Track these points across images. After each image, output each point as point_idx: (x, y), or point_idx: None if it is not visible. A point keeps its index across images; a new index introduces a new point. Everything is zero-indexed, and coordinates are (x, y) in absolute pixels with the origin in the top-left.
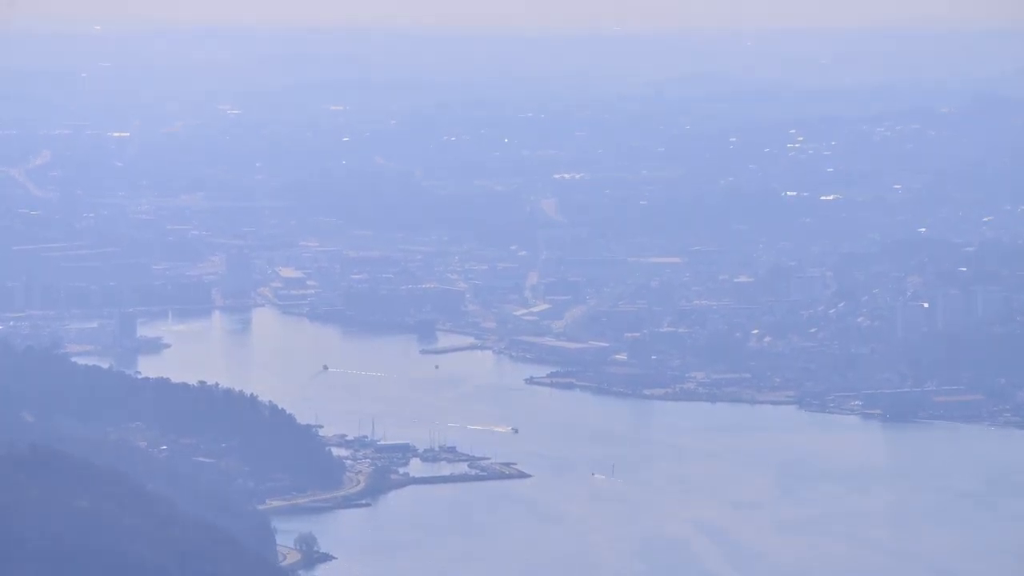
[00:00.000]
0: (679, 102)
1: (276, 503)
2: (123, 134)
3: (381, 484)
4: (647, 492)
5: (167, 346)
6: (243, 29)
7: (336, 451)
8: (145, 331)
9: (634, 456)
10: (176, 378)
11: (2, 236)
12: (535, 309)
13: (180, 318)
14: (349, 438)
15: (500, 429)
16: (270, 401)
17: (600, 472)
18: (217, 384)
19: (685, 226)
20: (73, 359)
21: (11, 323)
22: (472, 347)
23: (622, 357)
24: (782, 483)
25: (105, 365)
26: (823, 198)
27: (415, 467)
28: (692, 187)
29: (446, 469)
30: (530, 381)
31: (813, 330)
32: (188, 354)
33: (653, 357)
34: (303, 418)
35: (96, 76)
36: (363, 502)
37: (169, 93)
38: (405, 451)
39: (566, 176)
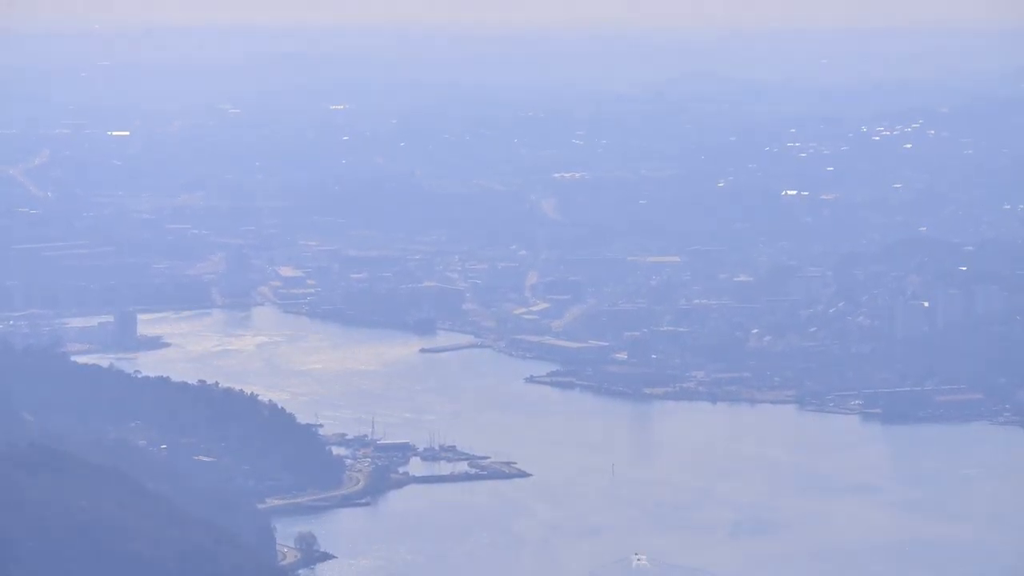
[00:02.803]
0: (679, 102)
1: (276, 502)
2: (123, 133)
3: (381, 483)
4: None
5: (167, 345)
6: (243, 29)
7: (336, 450)
8: (145, 330)
9: (635, 456)
10: (176, 377)
11: (2, 235)
12: (535, 308)
13: (180, 317)
14: (349, 437)
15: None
16: (270, 400)
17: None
18: (216, 383)
19: (685, 226)
20: (73, 358)
21: (11, 322)
22: (472, 346)
23: (622, 356)
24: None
25: (105, 364)
26: (823, 198)
27: (415, 466)
28: (692, 187)
29: (446, 468)
30: (530, 380)
31: (813, 329)
32: (188, 353)
33: (653, 356)
34: (303, 417)
35: (96, 76)
36: (363, 501)
37: (169, 93)
38: (405, 450)
39: (566, 176)
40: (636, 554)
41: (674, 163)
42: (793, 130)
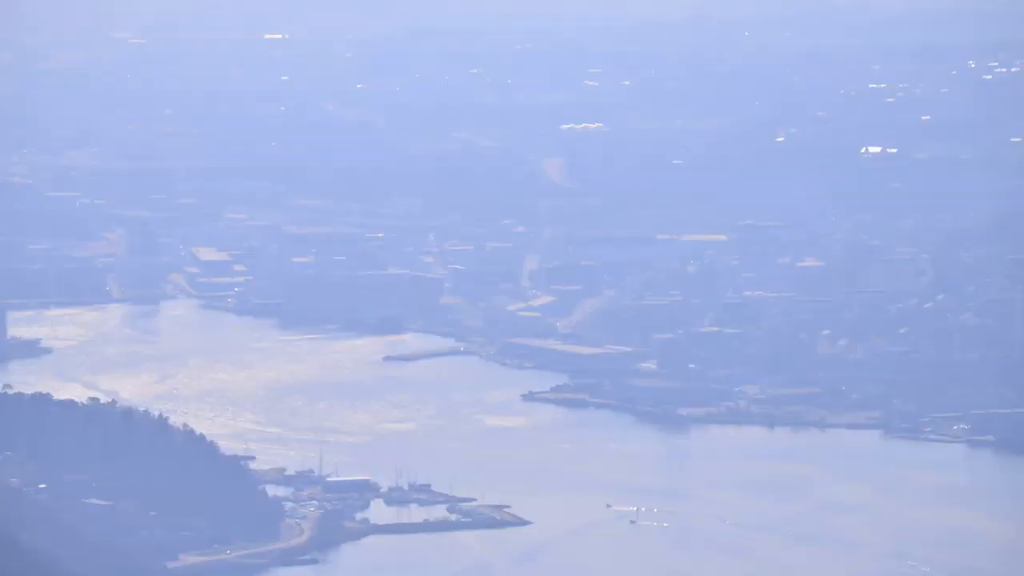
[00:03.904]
0: (725, 29)
1: (192, 559)
2: None
3: (332, 534)
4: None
5: (47, 351)
6: None
7: (272, 490)
8: (18, 331)
9: (666, 498)
10: (59, 394)
11: None
12: (535, 303)
13: (65, 314)
14: (289, 473)
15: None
16: (184, 424)
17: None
18: (114, 402)
19: (733, 194)
20: None
21: None
22: (452, 352)
23: (650, 366)
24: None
25: None
26: (916, 156)
27: (377, 511)
28: (742, 143)
29: (418, 514)
30: (528, 397)
31: (903, 331)
32: (75, 362)
33: (691, 366)
34: (228, 447)
35: None
36: (307, 558)
37: (48, 13)
38: (363, 490)
39: (576, 127)
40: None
41: (719, 112)
42: (876, 66)
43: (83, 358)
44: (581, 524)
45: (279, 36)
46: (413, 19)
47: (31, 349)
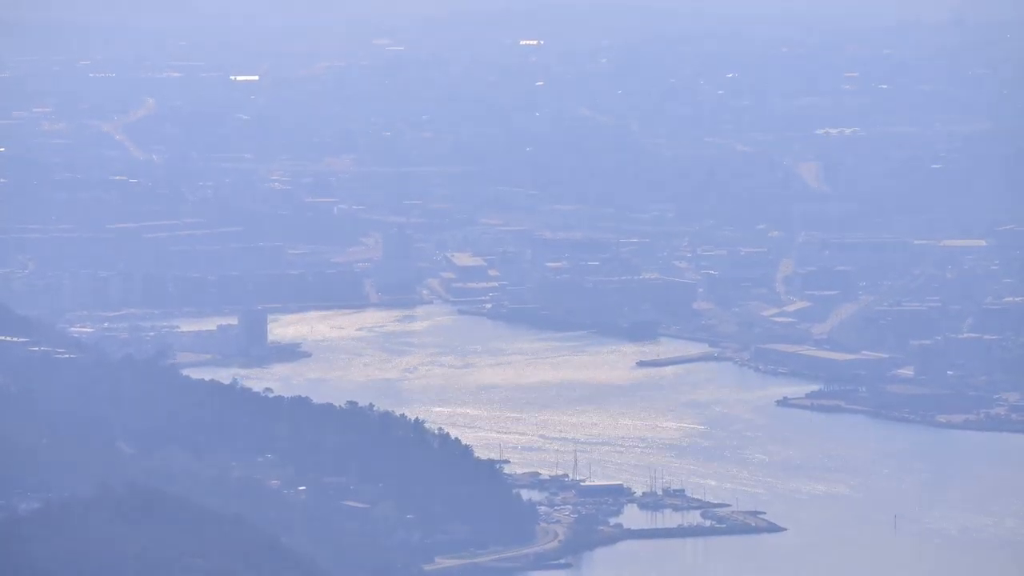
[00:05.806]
0: (985, 31)
1: (448, 562)
2: (250, 78)
3: (585, 538)
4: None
5: (306, 355)
6: None
7: (526, 494)
8: (278, 335)
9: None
10: (318, 397)
11: (93, 212)
12: (790, 308)
13: (323, 318)
14: (543, 477)
15: None
16: (440, 429)
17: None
18: (371, 406)
19: (992, 198)
20: (184, 372)
21: (105, 324)
22: (706, 357)
23: (907, 372)
24: None
25: (226, 380)
26: None
27: (631, 516)
28: (1002, 146)
29: (672, 519)
30: (783, 403)
31: None
32: (333, 366)
33: (949, 372)
34: (483, 451)
35: (216, 5)
36: (561, 562)
37: (309, 24)
38: (617, 495)
39: (832, 132)
40: None
41: (978, 115)
42: None
43: (342, 362)
44: (839, 531)
45: (535, 42)
46: (669, 24)
47: (291, 353)
